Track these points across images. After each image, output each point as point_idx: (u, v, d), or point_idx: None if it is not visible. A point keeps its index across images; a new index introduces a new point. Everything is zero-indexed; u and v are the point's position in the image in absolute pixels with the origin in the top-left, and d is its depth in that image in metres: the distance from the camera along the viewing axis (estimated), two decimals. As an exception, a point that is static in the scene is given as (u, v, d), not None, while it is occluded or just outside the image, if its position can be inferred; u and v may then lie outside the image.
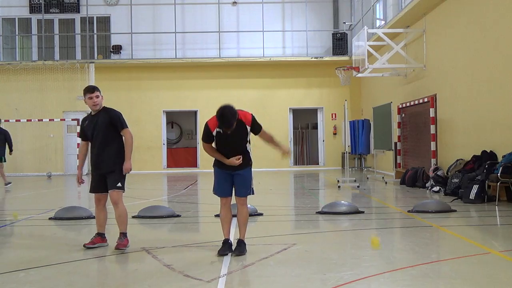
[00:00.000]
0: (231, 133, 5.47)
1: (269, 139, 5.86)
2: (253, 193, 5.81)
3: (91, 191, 6.21)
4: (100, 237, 6.16)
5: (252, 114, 5.67)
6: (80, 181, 6.28)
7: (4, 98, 20.96)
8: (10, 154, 15.40)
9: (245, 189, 5.73)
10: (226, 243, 5.66)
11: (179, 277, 4.73)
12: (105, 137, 6.06)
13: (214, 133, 5.55)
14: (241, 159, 5.60)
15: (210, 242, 6.21)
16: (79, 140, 19.70)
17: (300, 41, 22.00)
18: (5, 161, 15.19)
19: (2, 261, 5.62)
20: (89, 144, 6.22)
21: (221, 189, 5.76)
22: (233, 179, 5.71)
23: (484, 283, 4.50)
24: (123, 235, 6.01)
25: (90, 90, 6.12)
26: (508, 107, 10.05)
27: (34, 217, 8.86)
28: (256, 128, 5.67)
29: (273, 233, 6.98)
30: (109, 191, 6.07)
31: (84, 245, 6.04)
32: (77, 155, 6.55)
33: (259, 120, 5.81)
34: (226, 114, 5.30)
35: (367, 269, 4.93)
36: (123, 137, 6.16)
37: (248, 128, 5.63)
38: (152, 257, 5.55)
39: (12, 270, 5.13)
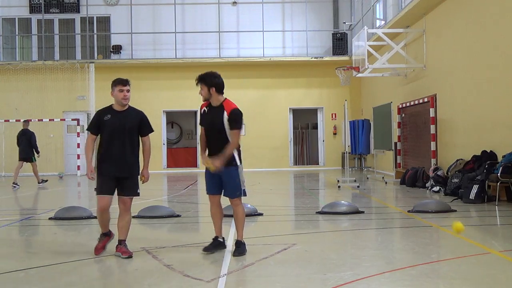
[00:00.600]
0: (211, 114, 5.62)
1: (229, 146, 5.51)
2: (244, 195, 5.67)
3: (103, 192, 5.60)
4: (107, 236, 5.87)
5: (237, 109, 5.59)
6: (92, 176, 5.63)
7: (4, 98, 20.95)
8: (38, 155, 15.78)
9: (232, 190, 5.61)
10: (215, 240, 5.72)
11: (179, 277, 4.73)
12: (132, 138, 5.64)
13: (202, 111, 5.73)
14: (214, 163, 5.46)
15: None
16: (79, 140, 19.85)
17: (300, 41, 21.99)
18: (35, 160, 15.60)
19: (2, 261, 5.62)
20: (95, 139, 5.70)
21: (208, 186, 5.78)
22: (221, 179, 5.66)
23: (484, 283, 4.50)
24: (124, 242, 5.64)
25: (123, 82, 5.58)
26: (508, 107, 10.05)
27: (34, 217, 8.86)
28: (232, 123, 5.51)
29: (273, 233, 6.98)
30: (125, 196, 5.66)
31: (95, 254, 5.67)
32: (85, 148, 5.67)
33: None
34: (207, 72, 5.69)
35: (367, 269, 4.93)
36: (144, 143, 5.79)
37: (226, 117, 5.52)
38: (152, 257, 5.55)
39: (12, 270, 5.13)
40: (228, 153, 5.46)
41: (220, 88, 5.63)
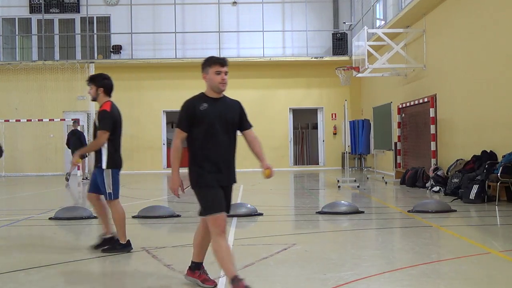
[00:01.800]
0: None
1: (92, 142, 5.82)
2: (110, 198, 5.73)
3: (219, 209, 4.10)
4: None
5: (105, 110, 5.71)
6: (183, 190, 4.37)
7: (4, 98, 20.97)
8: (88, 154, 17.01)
9: (103, 192, 5.77)
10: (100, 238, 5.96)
11: (179, 277, 4.73)
12: (234, 135, 4.35)
13: None
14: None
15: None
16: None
17: (300, 41, 22.00)
18: (86, 156, 16.70)
19: (2, 261, 5.62)
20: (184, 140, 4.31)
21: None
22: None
23: (484, 283, 4.50)
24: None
25: (221, 61, 4.25)
26: (508, 107, 10.05)
27: (34, 217, 8.85)
28: (99, 123, 5.68)
29: (273, 233, 6.98)
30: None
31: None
32: (173, 153, 4.25)
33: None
34: (99, 73, 5.94)
35: (367, 269, 4.93)
36: (254, 136, 4.49)
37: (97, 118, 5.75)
38: (152, 257, 5.55)
39: (12, 270, 5.13)
40: (85, 149, 5.87)
41: (108, 90, 5.81)
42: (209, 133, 4.17)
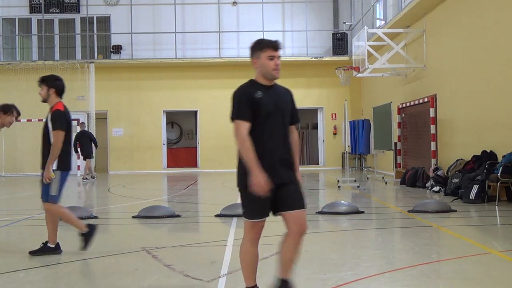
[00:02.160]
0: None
1: (52, 148, 5.78)
2: (53, 201, 5.70)
3: (259, 214, 3.85)
4: None
5: (59, 110, 5.68)
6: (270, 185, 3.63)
7: (4, 98, 20.78)
8: (96, 149, 17.49)
9: (43, 192, 5.77)
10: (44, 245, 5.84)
11: (179, 277, 4.73)
12: (288, 126, 3.85)
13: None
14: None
15: (210, 242, 6.21)
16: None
17: (300, 41, 22.00)
18: (93, 157, 17.24)
19: (2, 261, 5.61)
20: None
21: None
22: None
23: (484, 283, 4.50)
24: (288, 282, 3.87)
25: (274, 45, 3.72)
26: (508, 107, 10.05)
27: (34, 217, 8.85)
28: (53, 123, 5.65)
29: (273, 233, 6.95)
30: (300, 209, 3.82)
31: None
32: (242, 146, 3.58)
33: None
34: (51, 74, 5.94)
35: (367, 269, 4.93)
36: (294, 134, 3.91)
37: (49, 118, 5.71)
38: (152, 257, 5.55)
39: (12, 270, 5.13)
40: (52, 157, 5.61)
41: (59, 91, 5.76)
42: (265, 126, 3.67)
